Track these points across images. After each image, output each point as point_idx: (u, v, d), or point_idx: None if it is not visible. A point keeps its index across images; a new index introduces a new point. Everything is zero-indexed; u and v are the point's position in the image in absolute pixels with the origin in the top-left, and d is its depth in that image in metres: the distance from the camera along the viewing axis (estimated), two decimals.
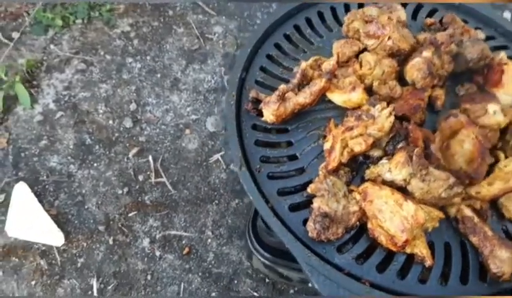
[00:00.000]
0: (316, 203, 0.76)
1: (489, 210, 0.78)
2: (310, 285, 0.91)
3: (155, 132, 1.17)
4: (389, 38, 0.80)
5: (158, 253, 1.02)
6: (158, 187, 1.10)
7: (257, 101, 0.83)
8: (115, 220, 1.05)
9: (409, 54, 0.81)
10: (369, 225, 0.75)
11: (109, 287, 0.98)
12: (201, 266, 1.02)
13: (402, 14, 0.86)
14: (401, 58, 0.82)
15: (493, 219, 0.79)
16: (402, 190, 0.75)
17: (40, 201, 1.04)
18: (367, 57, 0.81)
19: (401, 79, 0.82)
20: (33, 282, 0.96)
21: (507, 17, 1.40)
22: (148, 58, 1.27)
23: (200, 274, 1.01)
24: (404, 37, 0.81)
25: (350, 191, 0.78)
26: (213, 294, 0.99)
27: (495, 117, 0.78)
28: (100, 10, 1.29)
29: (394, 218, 0.72)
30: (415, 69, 0.79)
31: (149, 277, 1.00)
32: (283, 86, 0.81)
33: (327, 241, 0.75)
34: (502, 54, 0.81)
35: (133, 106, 1.19)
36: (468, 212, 0.76)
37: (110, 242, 1.03)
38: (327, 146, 0.79)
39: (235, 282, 1.01)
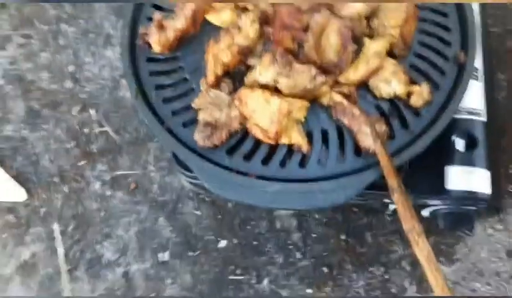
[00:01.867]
0: (200, 115, 0.85)
1: (365, 93, 0.86)
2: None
3: (94, 88, 1.26)
4: None
5: (108, 193, 1.14)
6: (102, 136, 1.21)
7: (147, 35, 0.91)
8: (68, 170, 1.17)
9: None
10: (248, 126, 0.84)
11: (69, 229, 1.11)
12: (147, 197, 1.13)
13: None
14: None
15: (367, 100, 0.86)
16: (277, 90, 0.83)
17: (1, 166, 1.16)
18: None
19: None
20: (4, 235, 1.10)
21: None
22: (80, 21, 1.35)
23: (147, 204, 1.13)
24: None
25: (232, 100, 0.87)
26: (160, 219, 1.11)
27: (354, 6, 0.84)
28: None
29: (264, 114, 0.81)
30: None
31: (103, 214, 1.12)
32: (157, 15, 0.88)
33: (216, 147, 0.84)
34: None
35: (72, 68, 1.29)
36: (338, 97, 0.84)
37: (66, 190, 1.15)
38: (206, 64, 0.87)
39: (180, 205, 1.12)
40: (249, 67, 0.86)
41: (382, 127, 0.80)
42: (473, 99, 0.97)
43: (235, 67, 0.88)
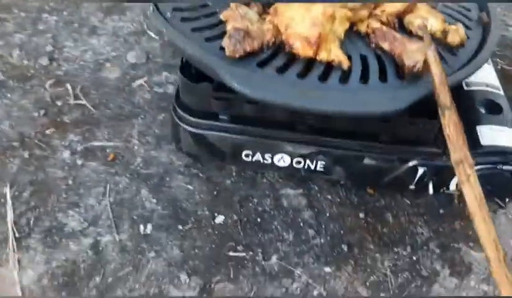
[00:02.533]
0: (230, 24, 0.76)
1: (397, 24, 0.82)
2: (244, 157, 0.87)
3: (73, 67, 1.14)
4: None
5: (79, 162, 0.95)
6: (78, 108, 1.05)
7: None
8: (31, 136, 0.97)
9: None
10: (283, 37, 0.76)
11: (25, 194, 0.88)
12: (128, 169, 0.95)
13: None
14: None
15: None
16: None
17: None
18: None
19: None
20: None
21: None
22: (65, 13, 1.27)
23: (128, 175, 0.94)
24: None
25: (263, 19, 0.80)
26: (143, 190, 0.91)
27: None
28: None
29: (305, 20, 0.74)
30: None
31: (70, 182, 0.91)
32: None
33: (247, 55, 0.74)
34: None
35: (49, 48, 1.17)
36: (376, 24, 0.80)
37: (26, 156, 0.94)
38: None
39: (167, 179, 0.94)
40: None
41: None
42: (490, 76, 0.98)
43: None
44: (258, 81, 0.70)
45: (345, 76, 0.74)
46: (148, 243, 0.84)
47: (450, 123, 0.68)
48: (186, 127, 0.86)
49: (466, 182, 0.68)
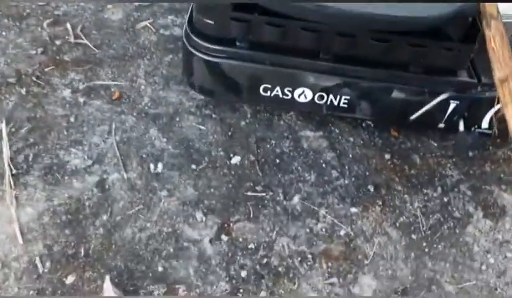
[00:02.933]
0: None
1: None
2: (262, 92, 0.81)
3: (72, 8, 1.06)
4: None
5: (81, 100, 0.87)
6: (78, 47, 0.97)
7: None
8: (28, 74, 0.90)
9: None
10: None
11: (22, 130, 0.81)
12: (135, 107, 0.88)
13: None
14: None
15: None
16: None
17: None
18: None
19: None
20: None
21: None
22: None
23: (135, 114, 0.86)
24: None
25: None
26: (152, 130, 0.84)
27: None
28: None
29: None
30: None
31: (72, 120, 0.84)
32: None
33: None
34: None
35: None
36: None
37: (23, 93, 0.87)
38: None
39: (177, 119, 0.87)
40: None
41: None
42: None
43: None
44: None
45: None
46: (160, 181, 0.77)
47: (497, 34, 0.62)
48: (200, 55, 0.79)
49: (511, 104, 0.62)
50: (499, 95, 0.64)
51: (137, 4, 1.08)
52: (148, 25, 1.04)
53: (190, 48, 0.79)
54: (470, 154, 0.88)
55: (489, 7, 0.63)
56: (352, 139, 0.88)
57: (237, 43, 0.77)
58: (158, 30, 1.03)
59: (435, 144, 0.88)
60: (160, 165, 0.79)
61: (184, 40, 0.80)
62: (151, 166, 0.79)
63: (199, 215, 0.73)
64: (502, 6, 0.79)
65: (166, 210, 0.73)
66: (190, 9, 0.79)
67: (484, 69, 0.73)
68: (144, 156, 0.80)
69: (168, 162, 0.80)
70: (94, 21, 1.03)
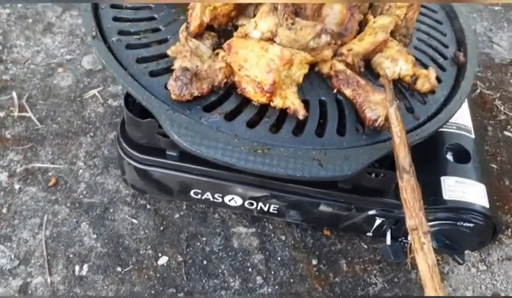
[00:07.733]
0: (177, 63, 0.69)
1: (364, 67, 0.75)
2: (193, 195, 0.81)
3: (22, 71, 1.05)
4: None
5: (17, 186, 0.88)
6: (21, 122, 0.97)
7: None
8: None
9: None
10: (236, 78, 0.69)
11: None
12: (69, 196, 0.88)
13: None
14: None
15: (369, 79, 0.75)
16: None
17: None
18: None
19: None
20: None
21: None
22: (19, 5, 1.17)
23: (68, 204, 0.87)
24: None
25: (216, 54, 0.72)
26: (84, 224, 0.85)
27: None
28: None
29: (260, 63, 0.67)
30: None
31: (4, 211, 0.85)
32: None
33: (193, 100, 0.68)
34: None
35: None
36: (340, 65, 0.73)
37: None
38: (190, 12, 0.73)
39: (111, 210, 0.88)
40: (237, 27, 0.74)
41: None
42: (462, 116, 0.91)
43: (221, 24, 0.74)
44: (200, 132, 0.63)
45: (299, 126, 0.68)
46: (82, 286, 0.79)
47: (408, 187, 0.63)
48: (131, 162, 0.79)
49: (420, 251, 0.63)
50: (410, 242, 0.65)
51: (88, 67, 1.08)
52: (97, 94, 1.04)
53: (121, 152, 0.80)
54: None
55: (402, 160, 0.64)
56: (283, 238, 0.89)
57: (167, 153, 0.77)
58: (106, 100, 1.03)
59: (366, 247, 0.90)
60: (85, 267, 0.81)
61: (116, 144, 0.80)
62: (77, 268, 0.80)
63: None
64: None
65: None
66: (122, 117, 0.79)
67: None
68: (71, 256, 0.81)
69: (94, 263, 0.81)
70: (42, 88, 1.03)
